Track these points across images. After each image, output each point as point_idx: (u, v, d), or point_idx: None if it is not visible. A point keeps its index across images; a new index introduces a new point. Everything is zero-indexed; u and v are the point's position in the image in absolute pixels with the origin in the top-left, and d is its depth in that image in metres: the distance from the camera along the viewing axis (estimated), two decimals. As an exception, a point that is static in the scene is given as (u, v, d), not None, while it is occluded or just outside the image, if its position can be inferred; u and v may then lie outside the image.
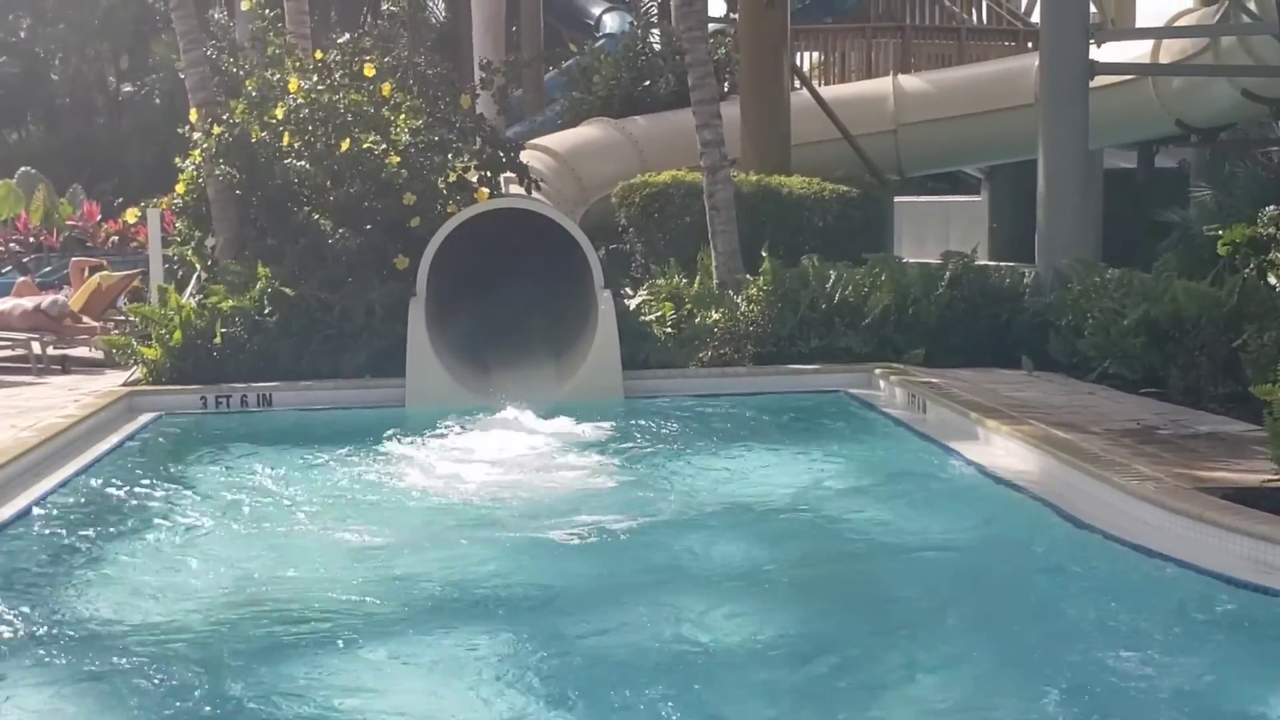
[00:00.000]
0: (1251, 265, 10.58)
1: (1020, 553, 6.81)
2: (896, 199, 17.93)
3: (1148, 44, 15.53)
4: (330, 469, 9.17)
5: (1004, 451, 8.83)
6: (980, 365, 12.13)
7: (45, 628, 5.87)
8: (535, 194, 13.84)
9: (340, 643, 5.64)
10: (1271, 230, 11.63)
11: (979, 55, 21.25)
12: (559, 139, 17.40)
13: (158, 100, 26.26)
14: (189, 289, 13.62)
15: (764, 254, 13.01)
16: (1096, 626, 5.68)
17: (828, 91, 18.64)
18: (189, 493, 8.65)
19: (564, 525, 7.42)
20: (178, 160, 14.03)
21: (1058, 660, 5.27)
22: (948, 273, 12.78)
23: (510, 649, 5.55)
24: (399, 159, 12.81)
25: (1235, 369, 9.49)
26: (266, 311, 12.30)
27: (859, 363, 12.20)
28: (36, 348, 13.59)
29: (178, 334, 12.18)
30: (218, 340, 12.16)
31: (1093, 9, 17.03)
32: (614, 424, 10.31)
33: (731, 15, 23.44)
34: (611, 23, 27.11)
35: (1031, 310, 12.47)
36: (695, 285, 13.53)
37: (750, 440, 10.01)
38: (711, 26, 18.84)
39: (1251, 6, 13.11)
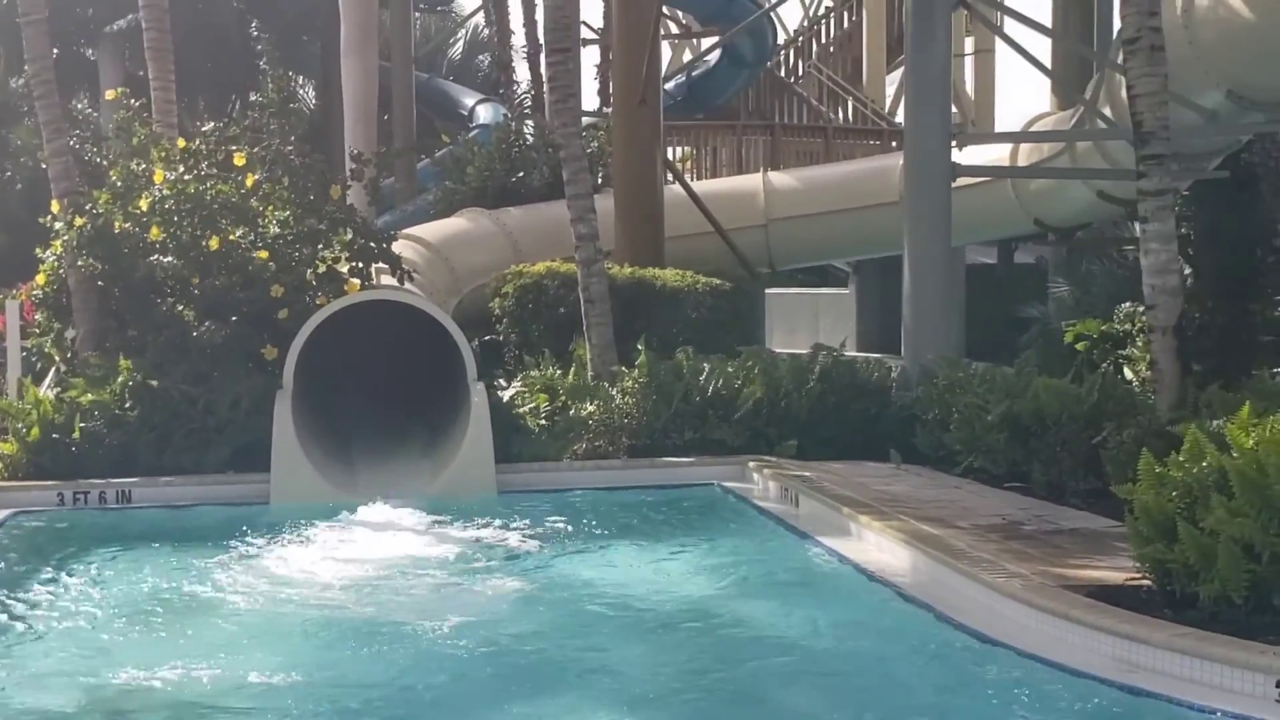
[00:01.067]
0: (1108, 362, 10.88)
1: (888, 650, 6.82)
2: (768, 291, 18.13)
3: (1007, 146, 16.04)
4: (191, 570, 8.88)
5: (875, 547, 8.89)
6: (851, 458, 12.24)
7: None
8: (408, 284, 13.71)
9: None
10: (1127, 326, 12.04)
11: (845, 154, 21.78)
12: (432, 229, 17.32)
13: (19, 187, 25.57)
14: (47, 382, 13.30)
15: (639, 347, 13.04)
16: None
17: (700, 186, 18.88)
18: (42, 596, 8.31)
19: (433, 629, 7.26)
20: (38, 250, 13.73)
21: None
22: (818, 366, 12.92)
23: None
24: (267, 254, 12.63)
25: (1096, 465, 9.69)
26: (127, 405, 12.00)
27: (733, 455, 12.23)
28: (-119, 443, 12.98)
29: (35, 429, 11.82)
30: (76, 435, 11.82)
31: (954, 110, 17.58)
32: (486, 520, 10.18)
33: (605, 110, 23.72)
34: (485, 114, 27.23)
35: (899, 404, 12.64)
36: (570, 377, 13.51)
37: (624, 535, 9.95)
38: (585, 120, 19.05)
39: (1106, 112, 13.63)
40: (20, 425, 11.89)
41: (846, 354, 13.80)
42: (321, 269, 13.05)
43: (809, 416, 12.62)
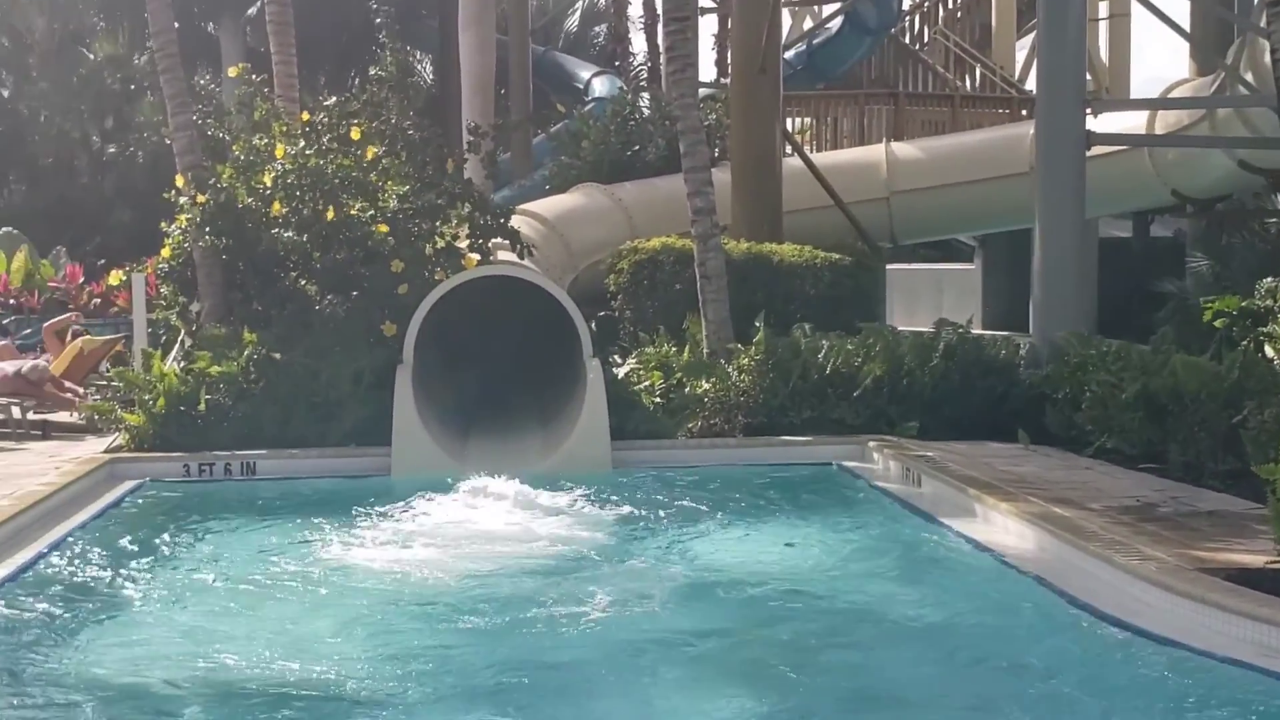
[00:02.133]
0: (1248, 339, 10.62)
1: (1018, 635, 6.76)
2: (889, 267, 17.97)
3: (1143, 114, 15.68)
4: (314, 541, 9.11)
5: (1002, 529, 8.81)
6: (976, 438, 12.10)
7: (13, 712, 5.80)
8: (526, 260, 13.86)
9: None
10: (1269, 303, 11.73)
11: (973, 123, 21.42)
12: (547, 204, 17.45)
13: (141, 161, 26.30)
14: (173, 354, 13.60)
15: (757, 323, 13.03)
16: (1100, 714, 5.63)
17: (820, 158, 18.74)
18: (170, 565, 8.60)
19: (549, 603, 7.35)
20: (163, 224, 14.08)
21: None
22: (942, 343, 12.78)
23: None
24: (386, 228, 12.86)
25: (1236, 445, 9.49)
26: (252, 378, 12.28)
27: (852, 434, 12.17)
28: (16, 413, 13.53)
29: (161, 400, 12.15)
30: (202, 407, 12.14)
31: (1088, 78, 17.22)
32: (601, 496, 10.27)
33: (722, 81, 23.64)
34: (600, 87, 27.29)
35: (1027, 382, 12.48)
36: (685, 354, 13.52)
37: (741, 514, 9.97)
38: (702, 92, 19.00)
39: (1248, 78, 13.25)
40: (147, 397, 12.25)
41: (972, 331, 13.61)
42: (440, 244, 13.22)
43: (932, 395, 12.51)
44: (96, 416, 12.80)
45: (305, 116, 13.87)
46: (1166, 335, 12.07)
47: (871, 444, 11.80)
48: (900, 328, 14.65)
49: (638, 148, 18.70)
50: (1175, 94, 15.26)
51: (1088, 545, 7.72)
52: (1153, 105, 15.37)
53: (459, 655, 6.53)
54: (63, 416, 13.98)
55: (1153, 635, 6.41)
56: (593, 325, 13.50)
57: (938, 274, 21.92)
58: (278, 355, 12.38)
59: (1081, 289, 13.27)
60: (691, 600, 7.48)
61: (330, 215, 12.90)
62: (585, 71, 29.25)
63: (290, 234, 13.02)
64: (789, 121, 20.35)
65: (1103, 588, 7.20)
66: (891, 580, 8.01)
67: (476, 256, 13.26)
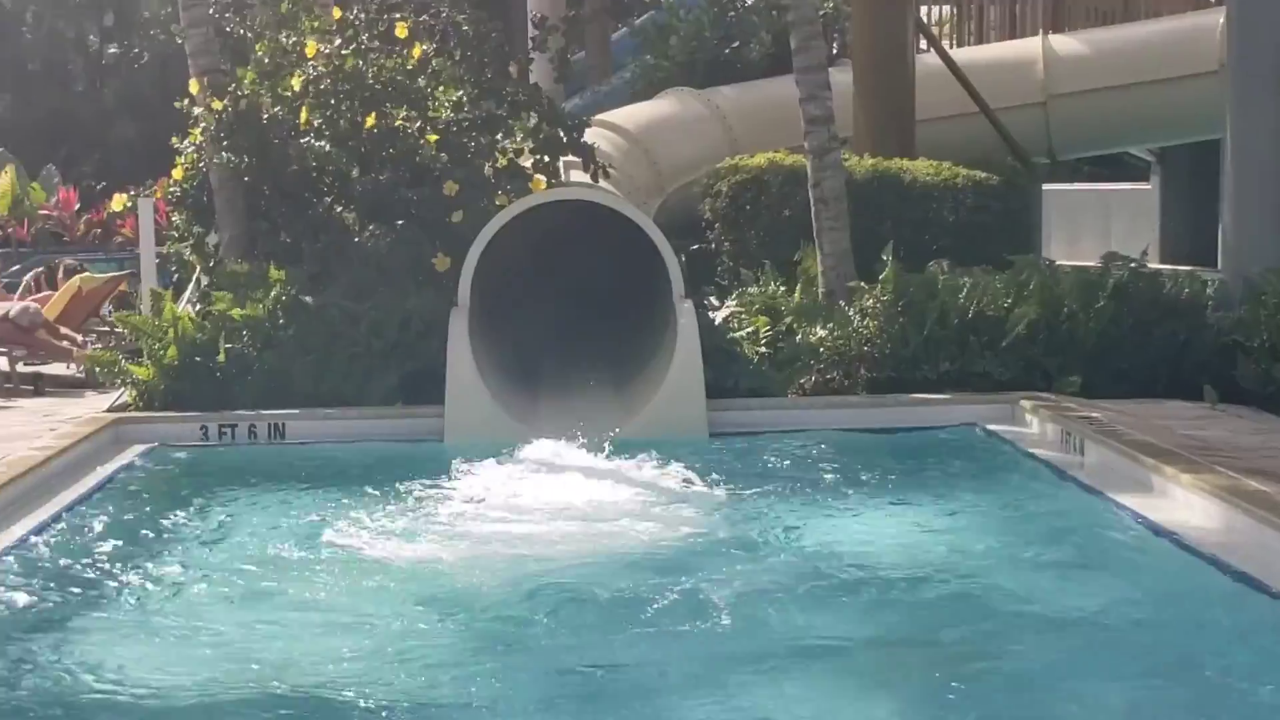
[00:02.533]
0: None
1: (1209, 636, 6.68)
2: (1045, 187, 17.78)
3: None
4: (353, 518, 9.21)
5: (1184, 506, 8.72)
6: (1152, 395, 12.03)
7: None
8: (602, 182, 13.88)
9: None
10: None
11: (1150, 11, 20.99)
12: (630, 114, 17.42)
13: (146, 65, 26.63)
14: (186, 295, 13.79)
15: (884, 257, 12.95)
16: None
17: (961, 55, 18.52)
18: (182, 545, 8.73)
19: (633, 593, 7.38)
20: (174, 140, 14.22)
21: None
22: (1111, 281, 12.64)
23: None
24: (437, 139, 12.89)
25: None
26: (280, 324, 12.42)
27: (1000, 391, 12.13)
28: (4, 364, 13.81)
29: (173, 350, 12.31)
30: (221, 358, 12.29)
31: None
32: (695, 466, 10.27)
33: (842, -39, 23.39)
34: (694, -29, 27.14)
35: (1217, 329, 12.35)
36: (796, 295, 13.49)
37: (863, 487, 9.95)
38: (818, -25, 18.80)
39: None
40: (156, 345, 12.40)
41: (1148, 266, 13.46)
42: (502, 162, 13.24)
43: (1098, 344, 12.40)
44: (97, 369, 13.01)
45: (338, 13, 13.91)
46: (1391, 269, 11.83)
47: (1024, 403, 11.73)
48: (1059, 262, 14.49)
49: (738, 44, 18.58)
50: None
51: (1288, 526, 7.61)
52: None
53: (522, 664, 6.51)
54: (58, 369, 14.26)
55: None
56: (684, 260, 13.47)
57: (1106, 196, 21.66)
58: (309, 298, 12.50)
59: (1284, 214, 13.02)
60: (807, 596, 7.46)
61: (370, 123, 12.95)
62: (675, -49, 29.02)
63: (324, 147, 13.10)
64: (924, 10, 20.09)
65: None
66: (1047, 567, 7.96)
67: (544, 178, 13.26)
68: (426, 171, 12.92)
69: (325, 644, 6.76)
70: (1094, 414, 11.08)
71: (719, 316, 13.34)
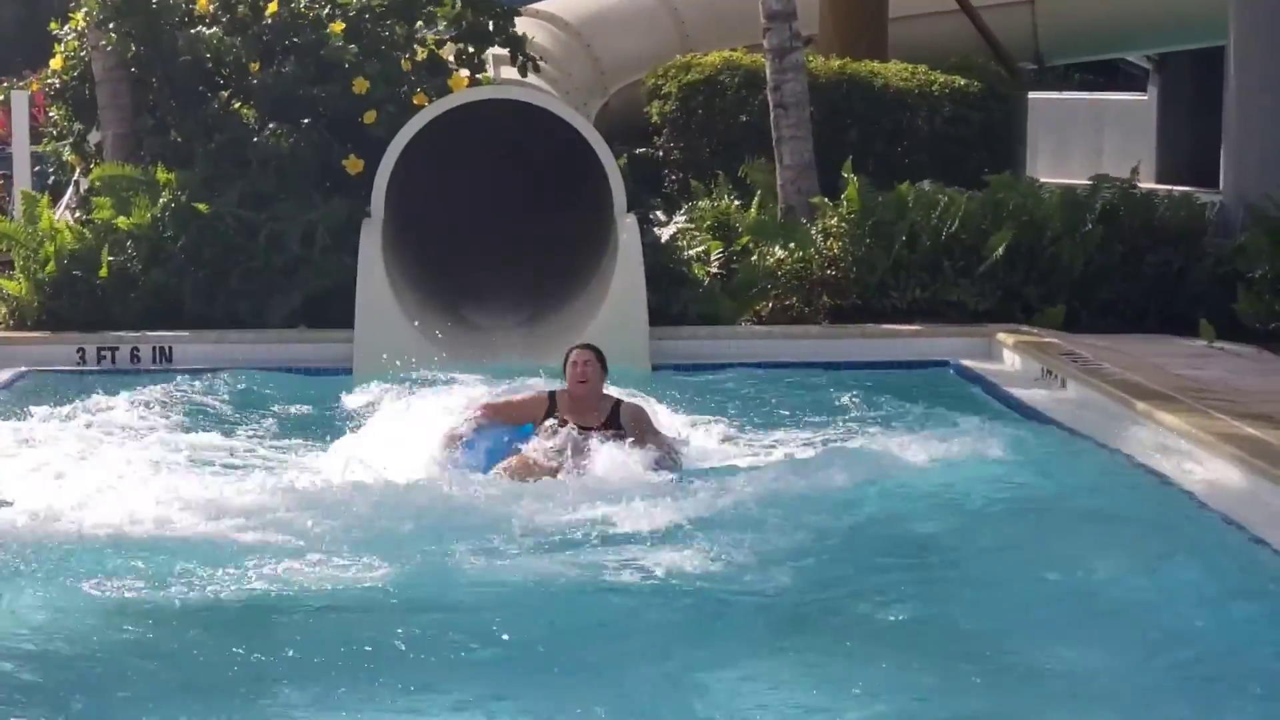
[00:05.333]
0: None
1: (1208, 593, 6.68)
2: (1031, 96, 17.75)
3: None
4: (247, 453, 9.12)
5: (1176, 452, 8.72)
6: (1142, 330, 12.11)
7: None
8: (535, 79, 13.76)
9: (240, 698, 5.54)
10: None
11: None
12: (569, 4, 17.26)
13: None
14: (65, 201, 13.78)
15: (845, 174, 12.86)
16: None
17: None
18: (55, 480, 8.59)
19: (568, 548, 7.29)
20: (53, 24, 14.06)
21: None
22: (1099, 202, 12.65)
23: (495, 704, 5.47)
24: (345, 28, 12.76)
25: None
26: (168, 235, 12.31)
27: (975, 323, 12.18)
28: None
29: (50, 264, 12.21)
30: (104, 273, 12.21)
31: None
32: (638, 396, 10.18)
33: None
34: None
35: (1215, 257, 12.38)
36: (752, 211, 13.44)
37: (825, 429, 9.90)
38: None
39: None
40: (30, 257, 12.30)
41: (1141, 185, 13.46)
42: (420, 55, 13.13)
43: (1084, 273, 12.45)
44: (-38, 283, 12.85)
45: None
46: None
47: (1001, 336, 11.75)
48: (1045, 180, 14.48)
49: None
50: None
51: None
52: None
53: (431, 628, 6.37)
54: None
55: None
56: (627, 168, 13.37)
57: (1098, 107, 21.68)
58: (203, 205, 12.33)
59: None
60: (758, 550, 7.38)
61: (273, 9, 12.81)
62: None
63: (220, 35, 12.93)
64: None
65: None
66: (1025, 517, 7.92)
67: (467, 74, 13.14)
68: (334, 66, 12.76)
69: (208, 594, 6.64)
70: (1079, 350, 11.08)
71: (665, 234, 13.28)
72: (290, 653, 5.98)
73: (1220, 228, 12.86)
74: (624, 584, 6.77)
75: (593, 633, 6.30)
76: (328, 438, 9.49)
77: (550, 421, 8.51)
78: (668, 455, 8.40)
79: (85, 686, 5.63)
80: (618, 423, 8.49)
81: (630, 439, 8.36)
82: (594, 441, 8.35)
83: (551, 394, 8.73)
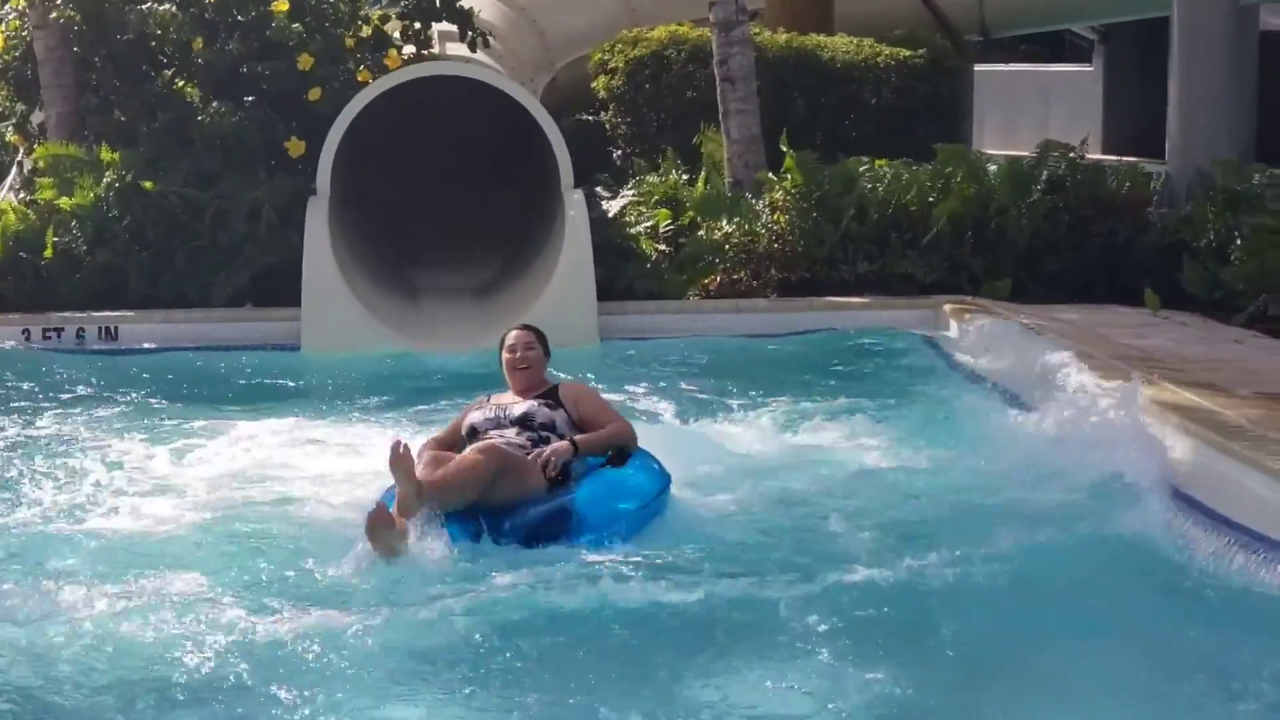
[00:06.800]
0: None
1: (1145, 561, 6.73)
2: (978, 68, 17.78)
3: None
4: (195, 434, 9.06)
5: (1120, 422, 8.70)
6: (1089, 300, 12.14)
7: None
8: (482, 54, 13.73)
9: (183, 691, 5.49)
10: None
11: None
12: (515, -23, 17.24)
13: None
14: (9, 182, 13.65)
15: (783, 147, 12.86)
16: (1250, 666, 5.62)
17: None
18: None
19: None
20: (-9, 2, 13.96)
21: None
22: (1045, 173, 12.70)
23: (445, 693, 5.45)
24: (289, 6, 12.70)
25: None
26: (113, 215, 12.26)
27: (923, 295, 12.21)
28: None
29: (-9, 243, 12.11)
30: (49, 253, 12.15)
31: None
32: (583, 380, 10.12)
33: None
34: None
35: (1161, 227, 12.41)
36: (700, 185, 13.44)
37: (772, 402, 9.88)
38: None
39: None
40: (-27, 239, 12.23)
41: (1088, 156, 13.51)
42: (365, 32, 13.06)
43: (1030, 244, 12.48)
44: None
45: None
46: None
47: (949, 307, 11.79)
48: (993, 151, 14.52)
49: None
50: None
51: (1231, 444, 7.62)
52: None
53: (384, 591, 6.44)
54: None
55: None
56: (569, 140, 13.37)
57: (1045, 79, 21.74)
58: (148, 184, 12.29)
59: (1236, 100, 13.10)
60: (700, 524, 7.39)
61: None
62: None
63: (165, 12, 12.90)
64: None
65: (1249, 500, 7.12)
66: (971, 487, 7.95)
67: (413, 50, 13.10)
68: (279, 42, 12.71)
69: (153, 582, 6.58)
70: (1025, 320, 11.10)
71: (613, 208, 13.28)
72: (255, 653, 5.89)
73: (1166, 198, 12.90)
74: (571, 576, 6.52)
75: (533, 627, 6.19)
76: (269, 415, 9.46)
77: (480, 400, 7.50)
78: (619, 433, 7.27)
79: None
80: (555, 398, 7.35)
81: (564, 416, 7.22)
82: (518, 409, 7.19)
83: (489, 394, 7.59)
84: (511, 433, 7.10)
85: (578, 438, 7.06)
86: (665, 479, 7.23)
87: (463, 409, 7.60)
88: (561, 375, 8.20)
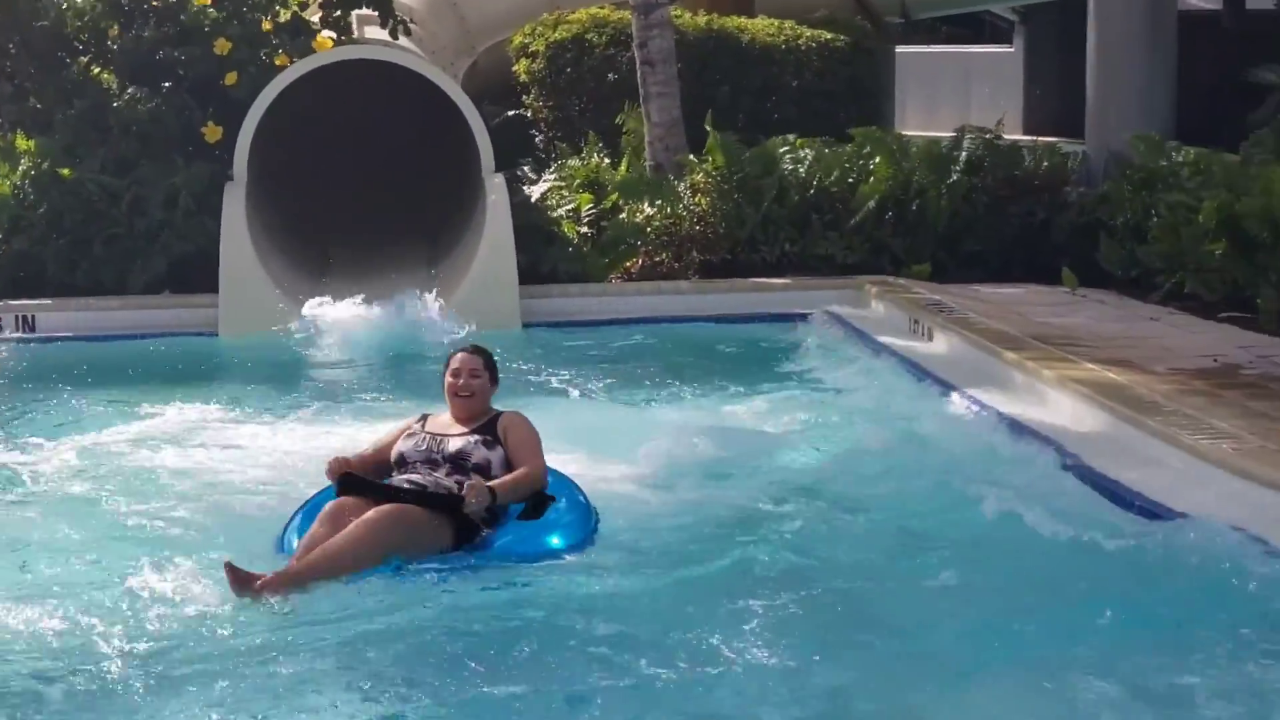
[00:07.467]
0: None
1: (1063, 538, 6.75)
2: (899, 50, 17.85)
3: None
4: (113, 423, 8.97)
5: (1039, 399, 8.82)
6: (1007, 279, 12.22)
7: None
8: (402, 40, 13.66)
9: (100, 687, 5.42)
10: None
11: None
12: (437, -37, 17.14)
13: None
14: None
15: (707, 127, 12.88)
16: (1169, 621, 5.69)
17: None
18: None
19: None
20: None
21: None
22: (964, 153, 12.76)
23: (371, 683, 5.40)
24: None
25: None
26: (29, 202, 12.20)
27: (844, 275, 12.24)
28: None
29: (-96, 232, 12.01)
30: (-38, 241, 12.02)
31: None
32: (505, 364, 10.06)
33: None
34: None
35: (1078, 206, 12.50)
36: (622, 168, 13.45)
37: (694, 384, 9.94)
38: None
39: None
40: (-116, 228, 12.11)
41: (1008, 137, 13.61)
42: (283, 16, 12.96)
43: (950, 224, 12.56)
44: None
45: None
46: (1263, 141, 12.03)
47: (870, 287, 11.84)
48: (912, 134, 14.57)
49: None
50: None
51: (1148, 421, 7.72)
52: None
53: (278, 612, 6.30)
54: None
55: (1239, 530, 6.40)
56: (495, 127, 13.34)
57: (965, 60, 21.79)
58: (65, 171, 12.21)
59: (1153, 79, 13.20)
60: (621, 510, 7.38)
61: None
62: None
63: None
64: None
65: (1169, 476, 7.21)
66: (892, 469, 7.98)
67: (332, 35, 13.01)
68: (195, 28, 12.63)
69: (63, 575, 6.53)
70: (944, 300, 11.19)
71: (535, 192, 13.27)
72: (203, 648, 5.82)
73: (1083, 177, 13.01)
74: (490, 578, 6.41)
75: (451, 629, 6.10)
76: (194, 403, 9.38)
77: (413, 424, 6.92)
78: (526, 478, 6.60)
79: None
80: (494, 433, 6.75)
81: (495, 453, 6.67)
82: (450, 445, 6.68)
83: (425, 416, 7.00)
84: (441, 473, 6.60)
85: (494, 483, 6.46)
86: (585, 529, 6.75)
87: (396, 428, 7.03)
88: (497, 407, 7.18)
